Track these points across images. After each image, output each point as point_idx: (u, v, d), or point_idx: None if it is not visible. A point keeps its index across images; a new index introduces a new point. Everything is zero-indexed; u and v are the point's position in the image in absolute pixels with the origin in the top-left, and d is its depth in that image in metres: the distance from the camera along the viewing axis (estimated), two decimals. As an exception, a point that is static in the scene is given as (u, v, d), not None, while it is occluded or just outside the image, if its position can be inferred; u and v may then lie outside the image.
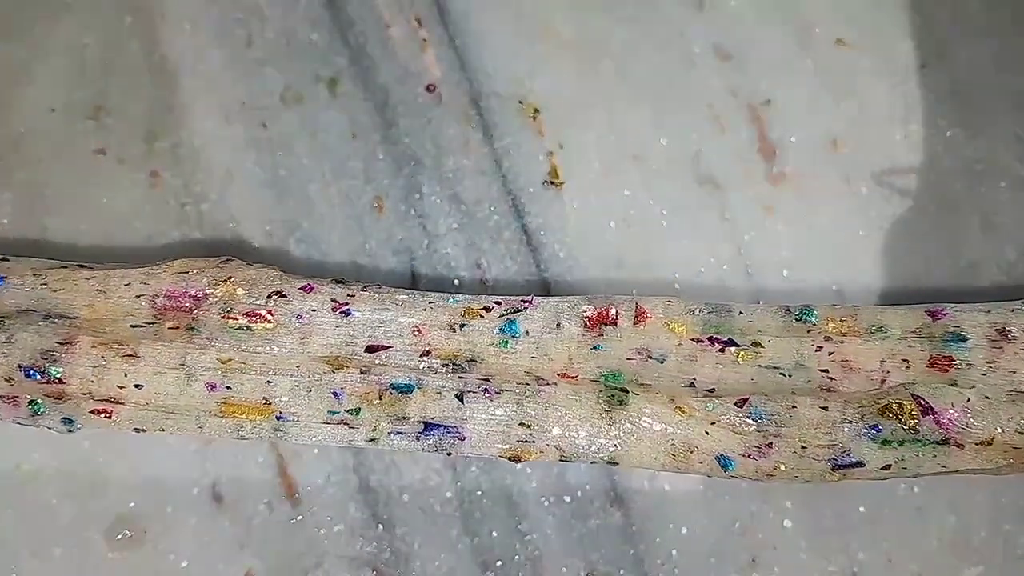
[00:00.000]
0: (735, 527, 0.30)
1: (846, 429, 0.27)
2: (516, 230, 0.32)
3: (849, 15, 0.34)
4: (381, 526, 0.30)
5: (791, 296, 0.31)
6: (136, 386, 0.28)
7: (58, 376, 0.27)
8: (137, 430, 0.28)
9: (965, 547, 0.30)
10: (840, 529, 0.30)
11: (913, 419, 0.27)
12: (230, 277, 0.29)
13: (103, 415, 0.28)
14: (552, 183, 0.33)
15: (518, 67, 0.34)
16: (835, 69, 0.33)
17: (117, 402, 0.28)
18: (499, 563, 0.30)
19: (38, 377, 0.27)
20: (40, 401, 0.28)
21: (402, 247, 0.32)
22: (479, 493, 0.30)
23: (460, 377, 0.28)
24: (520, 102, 0.33)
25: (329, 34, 0.34)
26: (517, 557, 0.30)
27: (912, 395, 0.27)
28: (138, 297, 0.29)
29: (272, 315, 0.28)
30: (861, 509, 0.30)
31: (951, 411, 0.27)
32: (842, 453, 0.27)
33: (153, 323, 0.28)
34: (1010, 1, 0.34)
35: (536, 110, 0.33)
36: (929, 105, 0.33)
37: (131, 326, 0.28)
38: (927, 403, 0.27)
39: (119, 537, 0.30)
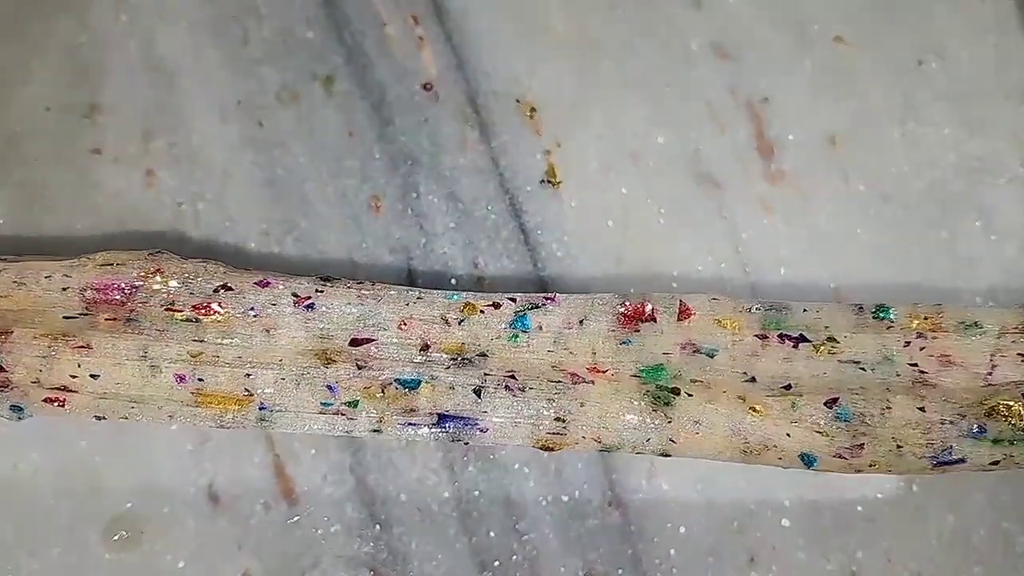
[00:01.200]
0: (733, 526, 0.30)
1: (947, 429, 0.27)
2: (514, 229, 0.32)
3: (847, 13, 0.34)
4: (378, 526, 0.30)
5: (789, 294, 0.31)
6: (92, 376, 0.28)
7: None
8: (98, 418, 0.28)
9: (965, 547, 0.30)
10: (839, 528, 0.30)
11: (1023, 420, 0.27)
12: (159, 270, 0.29)
13: (56, 403, 0.28)
14: (550, 181, 0.33)
15: (515, 65, 0.33)
16: (834, 67, 0.33)
17: (70, 391, 0.28)
18: (497, 563, 0.30)
19: None
20: None
21: (399, 246, 0.32)
22: (477, 493, 0.30)
23: (485, 373, 0.28)
24: (517, 100, 0.33)
25: (325, 32, 0.34)
26: (515, 557, 0.30)
27: (1023, 395, 0.27)
28: (65, 289, 0.28)
29: (223, 307, 0.28)
30: (860, 508, 0.30)
31: None
32: (943, 451, 0.27)
33: (87, 314, 0.28)
34: (1009, -2, 0.34)
35: (533, 108, 0.33)
36: (928, 103, 0.33)
37: (64, 317, 0.28)
38: None
39: (116, 538, 0.30)
